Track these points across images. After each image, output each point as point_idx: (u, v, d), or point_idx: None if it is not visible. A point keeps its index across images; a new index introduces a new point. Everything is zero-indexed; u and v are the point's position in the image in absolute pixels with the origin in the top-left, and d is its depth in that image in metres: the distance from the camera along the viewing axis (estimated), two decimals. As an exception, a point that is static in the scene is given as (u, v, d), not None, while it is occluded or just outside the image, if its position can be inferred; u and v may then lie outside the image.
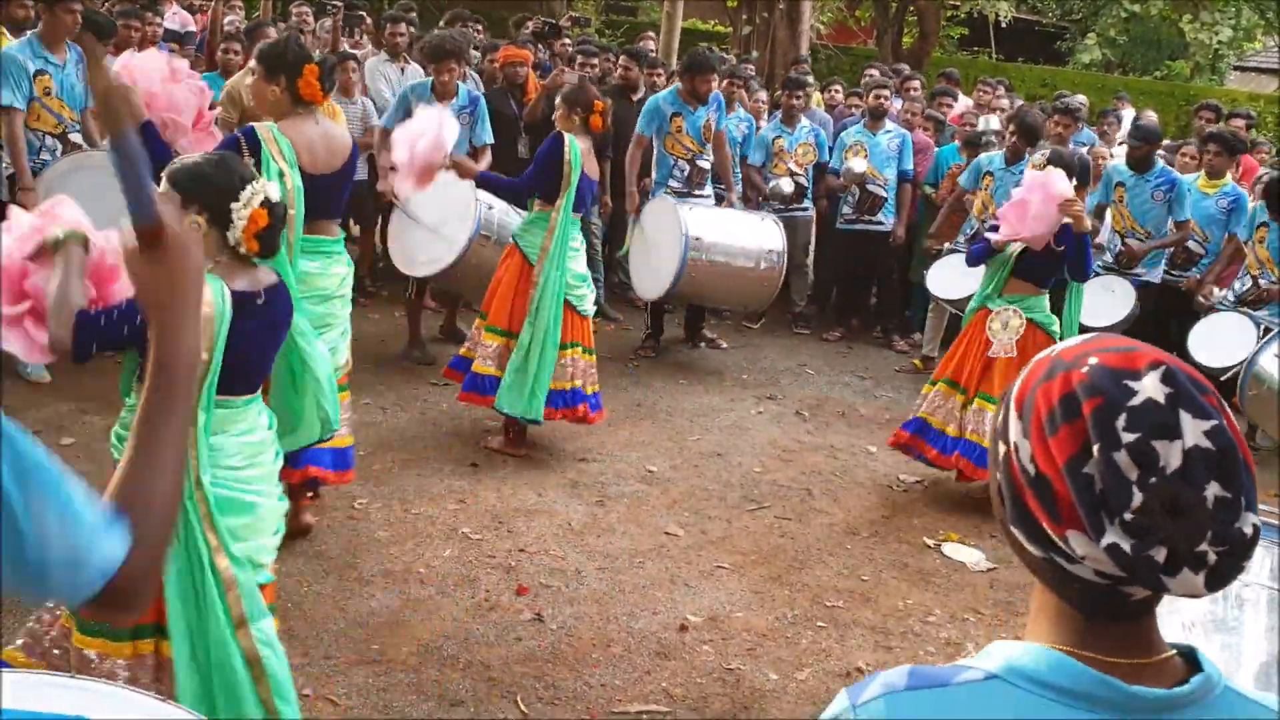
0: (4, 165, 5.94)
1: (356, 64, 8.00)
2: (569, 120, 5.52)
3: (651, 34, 11.84)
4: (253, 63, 4.12)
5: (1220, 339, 6.66)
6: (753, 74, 9.94)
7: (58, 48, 5.92)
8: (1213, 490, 1.01)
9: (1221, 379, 6.88)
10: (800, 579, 4.69)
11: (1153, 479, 1.01)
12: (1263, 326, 6.66)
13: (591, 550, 4.74)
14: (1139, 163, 7.40)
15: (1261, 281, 6.82)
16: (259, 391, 3.10)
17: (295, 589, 4.14)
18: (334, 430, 4.03)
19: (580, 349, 5.64)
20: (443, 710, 3.55)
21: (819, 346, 8.45)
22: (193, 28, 8.31)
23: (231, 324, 2.82)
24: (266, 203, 2.87)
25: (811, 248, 9.04)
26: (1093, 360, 1.08)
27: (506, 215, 6.54)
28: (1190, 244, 7.44)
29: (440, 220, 6.32)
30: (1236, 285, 6.97)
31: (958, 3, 14.89)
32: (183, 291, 1.34)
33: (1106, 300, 7.15)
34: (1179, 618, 2.59)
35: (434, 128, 5.08)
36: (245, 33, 7.41)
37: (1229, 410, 1.07)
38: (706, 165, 7.49)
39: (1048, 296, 5.50)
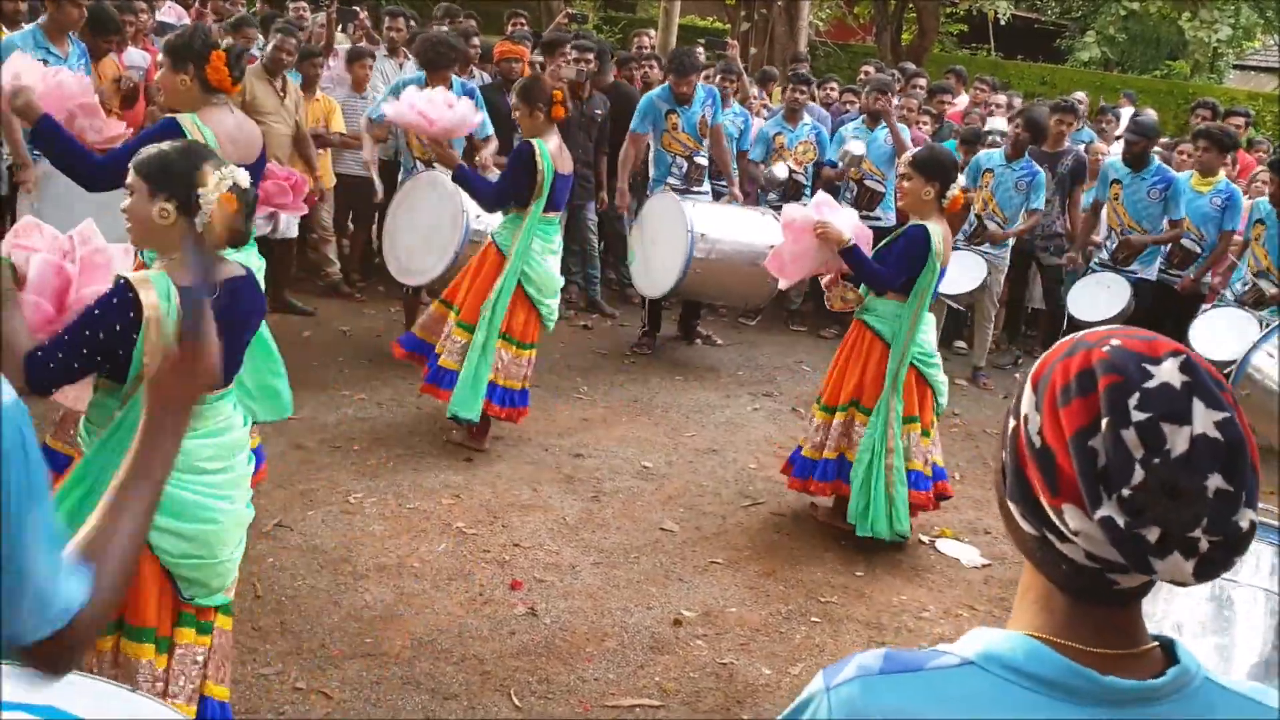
0: (3, 157, 5.94)
1: (372, 59, 8.02)
2: (532, 120, 5.38)
3: (650, 30, 11.82)
4: (159, 56, 4.08)
5: (1222, 334, 6.66)
6: (741, 68, 9.93)
7: (60, 40, 5.94)
8: (1215, 481, 1.01)
9: (1225, 372, 6.89)
10: (794, 575, 4.69)
11: (1156, 459, 1.01)
12: (1263, 322, 6.66)
13: (586, 545, 4.74)
14: (1136, 159, 7.39)
15: (1261, 284, 6.76)
16: (230, 387, 3.00)
17: (289, 582, 4.13)
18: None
19: (533, 352, 5.59)
20: (436, 704, 3.55)
21: (815, 343, 8.45)
22: (186, 20, 8.30)
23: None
24: (235, 188, 2.78)
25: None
26: (1115, 342, 1.09)
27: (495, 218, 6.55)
28: (1186, 242, 7.44)
29: (432, 227, 6.32)
30: (1237, 286, 6.94)
31: (956, 0, 14.88)
32: (191, 405, 1.49)
33: (1102, 296, 7.17)
34: (1170, 620, 2.58)
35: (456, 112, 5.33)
36: (229, 28, 7.38)
37: (1241, 409, 1.07)
38: (704, 162, 7.48)
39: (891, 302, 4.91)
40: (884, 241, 5.03)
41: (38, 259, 2.94)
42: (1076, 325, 7.22)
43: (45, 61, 5.80)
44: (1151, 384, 1.03)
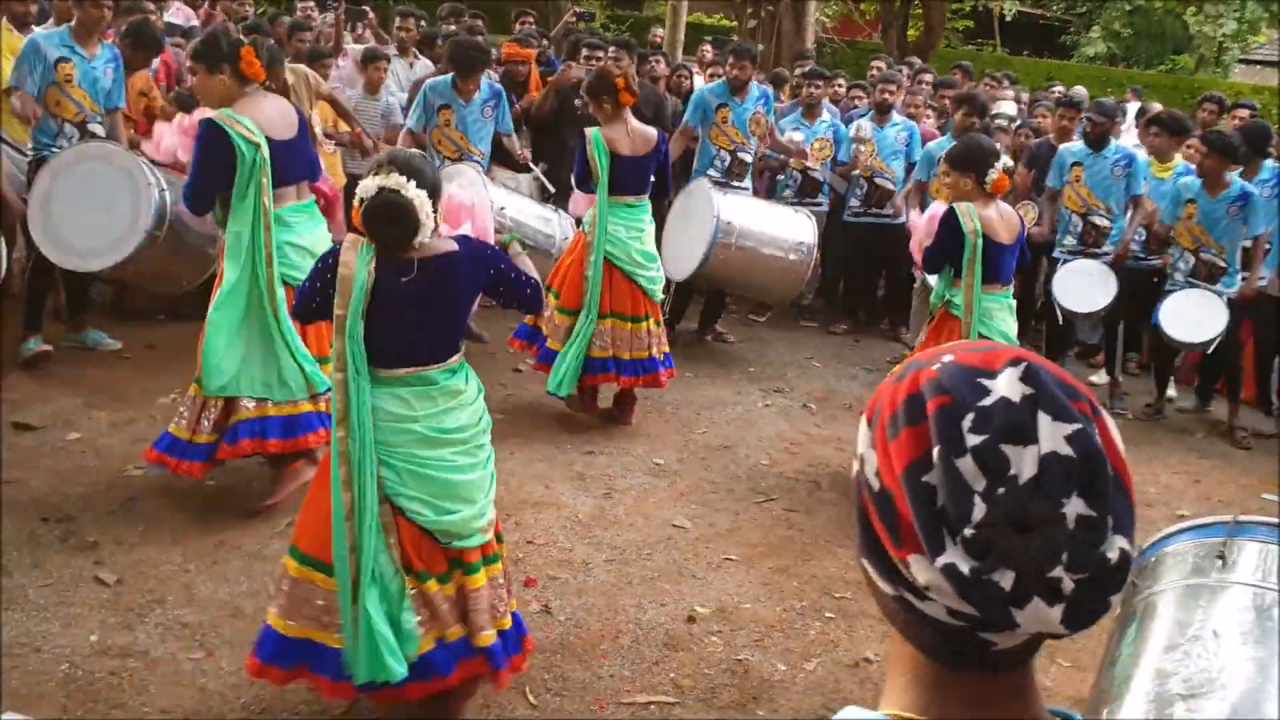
0: (27, 154, 5.98)
1: (386, 61, 8.03)
2: (601, 110, 5.78)
3: (659, 29, 11.82)
4: (190, 63, 4.45)
5: (1190, 315, 6.77)
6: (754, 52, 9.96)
7: (87, 41, 5.97)
8: (1074, 507, 0.86)
9: (1208, 352, 6.91)
10: (808, 570, 4.68)
11: (1001, 489, 0.86)
12: (1225, 297, 6.82)
13: (599, 542, 4.73)
14: (1096, 140, 7.40)
15: (1204, 255, 6.92)
16: (458, 359, 3.26)
17: (303, 581, 4.12)
18: (320, 389, 4.46)
19: (651, 322, 5.95)
20: (451, 701, 3.54)
21: (826, 339, 8.44)
22: (195, 22, 8.31)
23: (379, 291, 3.05)
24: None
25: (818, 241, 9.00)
26: (947, 358, 0.94)
27: (520, 214, 6.74)
28: (1157, 227, 7.44)
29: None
30: (1181, 266, 7.02)
31: (962, -4, 14.90)
32: None
33: (1087, 286, 7.13)
34: (1209, 626, 2.52)
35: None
36: (245, 32, 7.39)
37: (1105, 418, 0.93)
38: (748, 158, 7.57)
39: (1007, 294, 5.12)
40: None
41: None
42: (1070, 319, 7.24)
43: (70, 61, 5.86)
44: (987, 401, 0.89)
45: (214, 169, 4.29)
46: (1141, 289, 7.38)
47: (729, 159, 7.51)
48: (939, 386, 0.91)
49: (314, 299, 3.21)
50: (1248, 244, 6.91)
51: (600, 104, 5.76)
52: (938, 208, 5.27)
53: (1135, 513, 0.90)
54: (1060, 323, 7.40)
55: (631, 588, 4.38)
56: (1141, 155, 7.65)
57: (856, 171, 8.35)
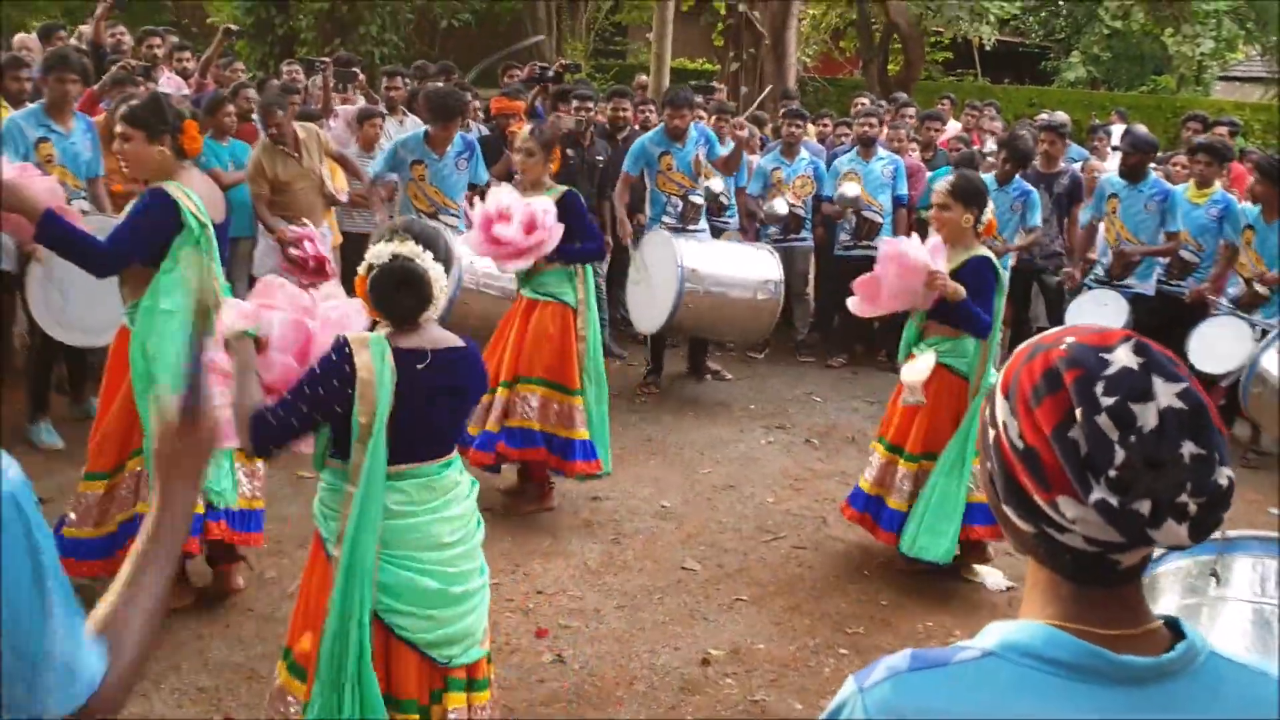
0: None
1: (382, 120, 8.13)
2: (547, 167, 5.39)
3: (644, 75, 11.96)
4: (122, 127, 4.01)
5: (1218, 345, 6.72)
6: (733, 108, 10.10)
7: (61, 117, 6.01)
8: (1188, 448, 1.07)
9: (1223, 384, 6.93)
10: (820, 607, 4.68)
11: (1132, 437, 1.07)
12: (1259, 328, 6.75)
13: (609, 589, 4.74)
14: (1131, 172, 7.44)
15: (1256, 287, 6.86)
16: (453, 455, 3.07)
17: (316, 642, 4.13)
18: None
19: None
20: (470, 756, 3.53)
21: (824, 373, 8.48)
22: (187, 91, 8.40)
23: (398, 384, 2.82)
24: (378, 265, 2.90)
25: (811, 276, 9.08)
26: (1070, 339, 1.16)
27: (489, 264, 6.61)
28: (1184, 254, 7.48)
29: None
30: (1230, 290, 7.01)
31: (941, 29, 15.02)
32: (199, 469, 1.48)
33: (1100, 314, 7.18)
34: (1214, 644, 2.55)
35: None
36: (230, 94, 7.51)
37: (1195, 379, 1.14)
38: (699, 201, 7.55)
39: (970, 340, 4.84)
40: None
41: (280, 317, 3.07)
42: None
43: (48, 140, 5.91)
44: (1111, 370, 1.11)
45: (150, 237, 3.99)
46: (1170, 315, 7.40)
47: (681, 204, 7.50)
48: (1071, 361, 1.13)
49: (306, 416, 2.82)
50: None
51: (548, 163, 5.39)
52: (936, 244, 4.86)
53: (1229, 448, 1.12)
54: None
55: (644, 633, 4.38)
56: (1171, 186, 7.59)
57: (839, 221, 8.44)
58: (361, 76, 9.37)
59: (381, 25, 17.32)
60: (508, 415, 5.34)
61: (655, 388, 7.71)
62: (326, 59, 9.10)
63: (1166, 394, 1.10)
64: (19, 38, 8.68)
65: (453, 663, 2.95)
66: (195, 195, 4.04)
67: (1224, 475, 1.10)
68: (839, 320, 9.17)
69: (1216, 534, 2.85)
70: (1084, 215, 7.98)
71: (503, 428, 5.33)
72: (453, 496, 3.01)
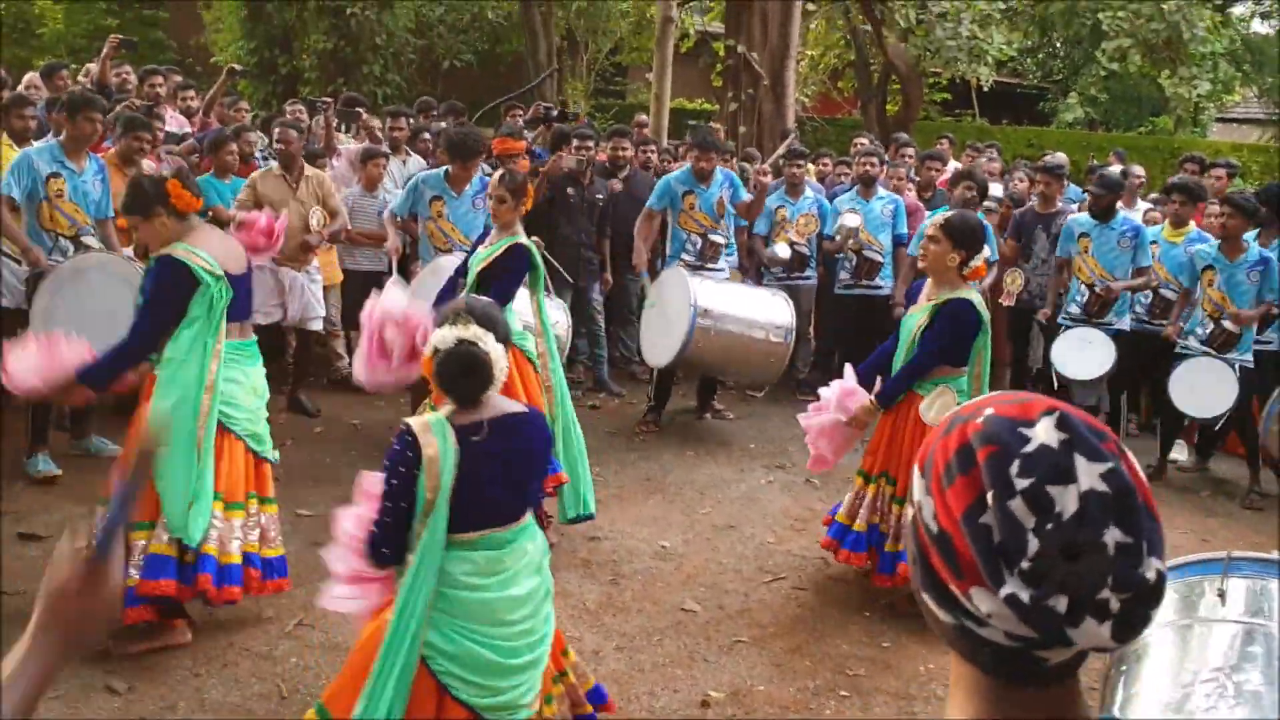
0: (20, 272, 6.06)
1: (385, 159, 8.18)
2: (517, 211, 5.41)
3: (643, 115, 12.03)
4: (121, 220, 4.32)
5: (1202, 387, 6.80)
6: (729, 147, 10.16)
7: (76, 155, 6.09)
8: (1112, 535, 0.98)
9: (1215, 428, 6.95)
10: (821, 649, 4.65)
11: (1049, 525, 0.98)
12: (1238, 367, 6.84)
13: (608, 630, 4.71)
14: (1103, 212, 7.50)
15: (1225, 324, 6.93)
16: (525, 521, 3.18)
17: (313, 682, 4.10)
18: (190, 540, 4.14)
19: None
20: (468, 799, 3.50)
21: (824, 414, 8.45)
22: (189, 129, 8.47)
23: (460, 459, 2.97)
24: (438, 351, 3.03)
25: (812, 314, 9.10)
26: (988, 411, 1.07)
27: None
28: (1165, 292, 7.53)
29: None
30: (1199, 331, 7.05)
31: (939, 70, 15.11)
32: (93, 630, 1.39)
33: (1085, 354, 7.20)
34: (1212, 663, 2.55)
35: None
36: (233, 134, 7.57)
37: (1129, 456, 1.05)
38: (720, 240, 7.64)
39: (964, 376, 4.98)
40: (908, 320, 5.02)
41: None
42: (1067, 384, 7.28)
43: (60, 176, 5.98)
44: (1029, 448, 1.01)
45: (173, 308, 4.16)
46: (1147, 353, 7.44)
47: (700, 243, 7.58)
48: (986, 437, 1.03)
49: (402, 499, 3.00)
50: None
51: (518, 208, 5.41)
52: (840, 387, 5.12)
53: (1164, 536, 1.02)
54: (1056, 388, 7.45)
55: (643, 675, 4.35)
56: (1138, 220, 7.73)
57: (840, 255, 8.46)
58: (364, 115, 9.42)
59: (384, 65, 17.46)
60: None
61: (655, 426, 7.70)
62: (329, 99, 9.16)
63: (1089, 475, 0.99)
64: (28, 76, 8.74)
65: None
66: (204, 251, 4.18)
67: (1152, 568, 0.99)
68: (840, 359, 9.18)
69: (1222, 554, 2.87)
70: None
71: None
72: (522, 569, 3.12)
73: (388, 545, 3.01)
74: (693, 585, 5.21)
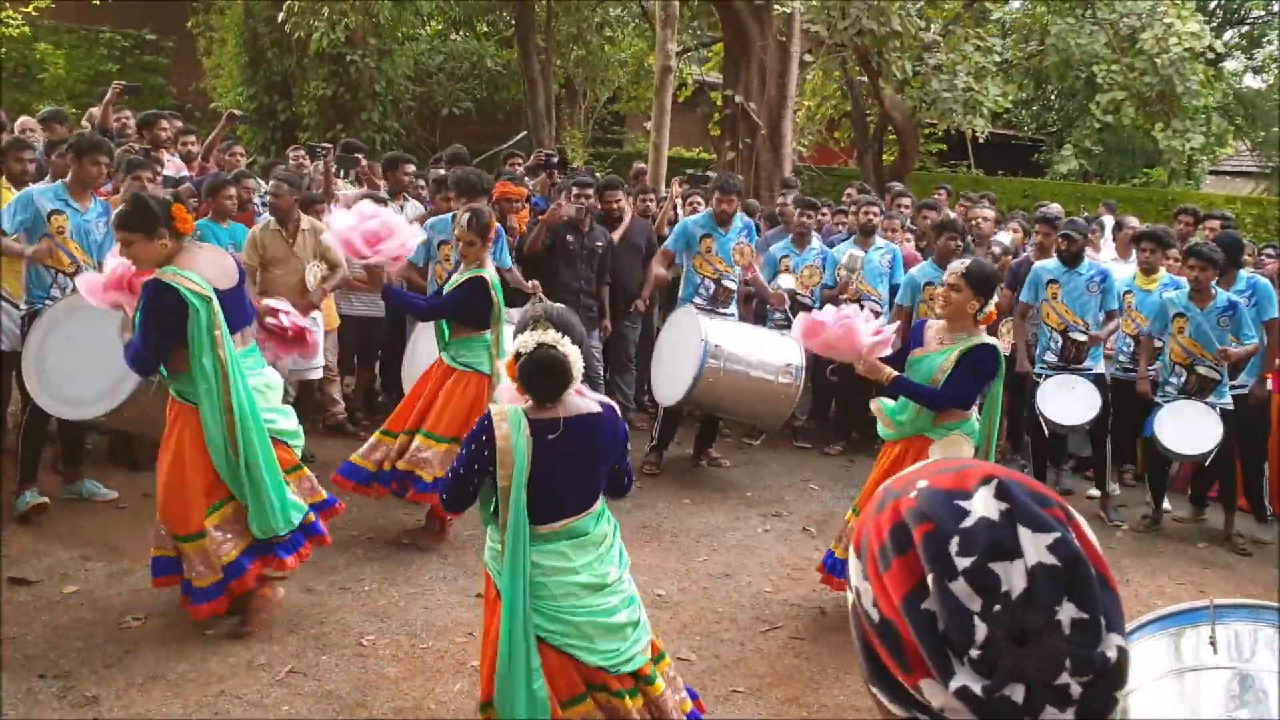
0: (21, 308, 6.07)
1: (385, 205, 8.21)
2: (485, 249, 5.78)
3: (641, 163, 12.11)
4: (120, 234, 4.44)
5: (1188, 428, 6.83)
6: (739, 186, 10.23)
7: (81, 196, 6.13)
8: (1067, 612, 0.89)
9: (1206, 464, 6.95)
10: (818, 699, 4.60)
11: (996, 606, 0.89)
12: (1218, 408, 6.90)
13: (604, 678, 4.65)
14: (1071, 258, 7.53)
15: (1199, 369, 6.97)
16: (596, 508, 3.47)
17: (305, 731, 4.04)
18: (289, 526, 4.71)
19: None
20: None
21: (821, 461, 8.44)
22: (186, 173, 8.51)
23: (534, 451, 3.26)
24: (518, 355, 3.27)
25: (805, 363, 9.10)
26: (922, 484, 0.98)
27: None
28: (1144, 337, 7.55)
29: (429, 355, 6.41)
30: (1174, 380, 7.09)
31: (935, 121, 15.25)
32: None
33: (1072, 400, 7.20)
34: (1203, 711, 2.53)
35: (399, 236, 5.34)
36: (231, 180, 7.61)
37: (1078, 520, 0.96)
38: (732, 285, 7.71)
39: (974, 420, 5.07)
40: (925, 361, 5.03)
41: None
42: (1056, 431, 7.28)
43: (63, 213, 6.01)
44: (968, 522, 0.92)
45: (164, 329, 4.39)
46: (1131, 400, 7.45)
47: (714, 286, 7.68)
48: (920, 514, 0.94)
49: (471, 480, 3.34)
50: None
51: (486, 245, 5.78)
52: (864, 331, 5.07)
53: (1123, 608, 0.93)
54: (1048, 436, 7.45)
55: (639, 724, 4.29)
56: (1120, 270, 7.81)
57: (844, 297, 8.47)
58: (365, 162, 9.47)
59: (383, 112, 17.59)
60: (400, 458, 5.73)
61: (656, 466, 7.69)
62: (328, 144, 9.21)
63: (1035, 547, 0.90)
64: (21, 120, 8.79)
65: (619, 670, 3.42)
66: (192, 273, 4.39)
67: (1113, 645, 0.90)
68: (836, 407, 9.18)
69: (1205, 602, 2.85)
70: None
71: (393, 468, 5.74)
72: (605, 548, 3.46)
73: (449, 493, 3.41)
74: (689, 634, 5.17)
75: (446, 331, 5.87)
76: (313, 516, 4.91)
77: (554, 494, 3.32)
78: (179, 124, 9.48)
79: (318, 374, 7.51)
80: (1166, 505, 7.61)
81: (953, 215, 8.87)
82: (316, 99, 17.11)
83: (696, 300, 7.67)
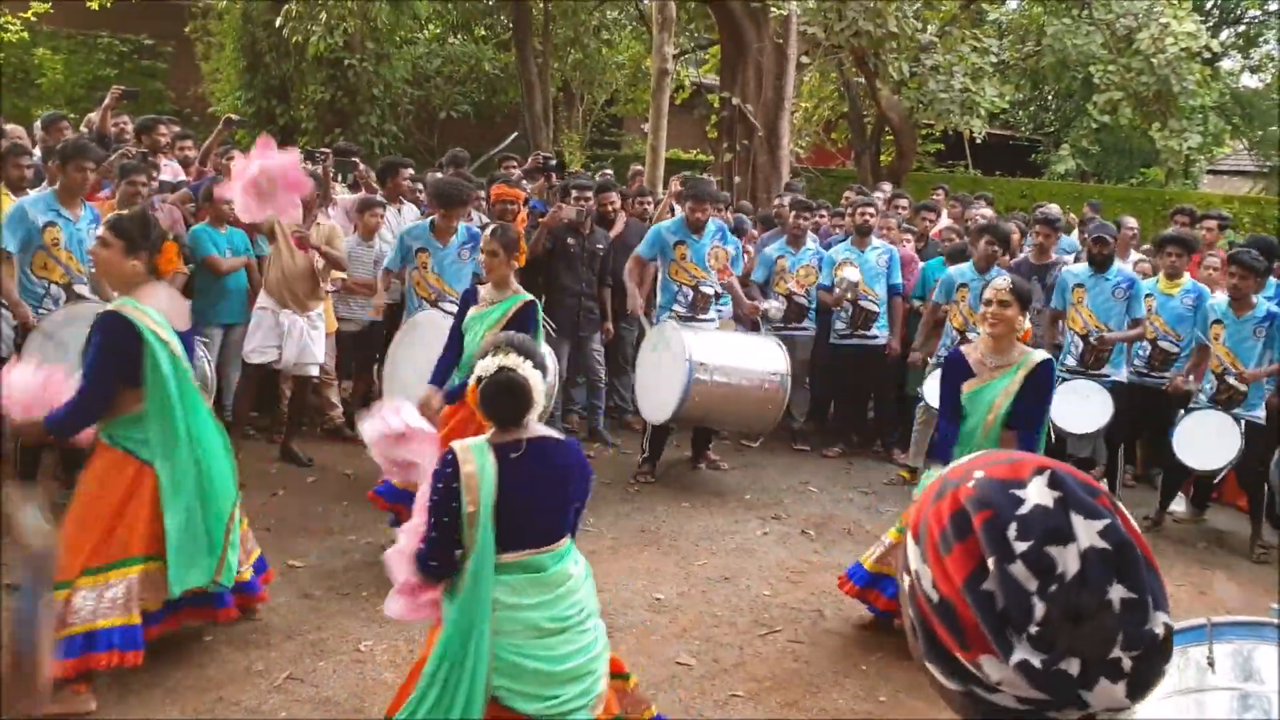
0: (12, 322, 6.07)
1: (382, 209, 8.22)
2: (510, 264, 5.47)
3: (638, 165, 12.10)
4: (104, 232, 4.14)
5: (1205, 441, 6.76)
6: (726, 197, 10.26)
7: (71, 204, 6.12)
8: (1117, 592, 0.96)
9: (1215, 480, 6.93)
10: (817, 703, 4.59)
11: (1053, 587, 0.96)
12: (1244, 422, 6.80)
13: (603, 683, 4.64)
14: (1100, 263, 7.51)
15: (1228, 379, 6.93)
16: (563, 544, 3.35)
17: (302, 738, 4.04)
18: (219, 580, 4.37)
19: None
20: None
21: (820, 463, 8.44)
22: (184, 177, 8.51)
23: (500, 474, 3.19)
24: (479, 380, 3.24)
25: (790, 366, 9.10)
26: (979, 474, 1.05)
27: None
28: (1163, 344, 7.54)
29: (430, 362, 6.38)
30: (1206, 387, 7.05)
31: (932, 122, 15.25)
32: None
33: (1083, 406, 7.19)
34: None
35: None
36: (200, 191, 7.61)
37: (1123, 509, 1.04)
38: (710, 291, 7.64)
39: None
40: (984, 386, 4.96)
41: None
42: (1062, 436, 7.26)
43: (56, 225, 6.00)
44: (1024, 509, 0.99)
45: (118, 363, 4.06)
46: (1146, 405, 7.42)
47: (691, 294, 7.59)
48: (980, 501, 1.01)
49: (447, 536, 3.20)
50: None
51: (511, 261, 5.43)
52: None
53: (1166, 589, 1.00)
54: (1052, 440, 7.43)
55: (638, 729, 4.28)
56: (1130, 271, 7.78)
57: (846, 299, 8.48)
58: (362, 166, 9.47)
59: (381, 116, 17.59)
60: None
61: (650, 477, 7.67)
62: (326, 149, 9.21)
63: (1088, 533, 0.98)
64: (10, 127, 8.78)
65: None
66: (153, 310, 4.11)
67: (1159, 622, 0.98)
68: (834, 409, 9.18)
69: (1201, 620, 2.84)
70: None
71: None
72: (565, 591, 3.29)
73: (434, 559, 3.21)
74: (688, 638, 5.16)
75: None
76: (249, 574, 4.66)
77: (515, 523, 3.21)
78: (177, 129, 9.47)
79: (314, 371, 7.49)
80: (1179, 507, 7.60)
81: (996, 219, 8.85)
82: (314, 103, 17.10)
83: (675, 308, 7.57)
